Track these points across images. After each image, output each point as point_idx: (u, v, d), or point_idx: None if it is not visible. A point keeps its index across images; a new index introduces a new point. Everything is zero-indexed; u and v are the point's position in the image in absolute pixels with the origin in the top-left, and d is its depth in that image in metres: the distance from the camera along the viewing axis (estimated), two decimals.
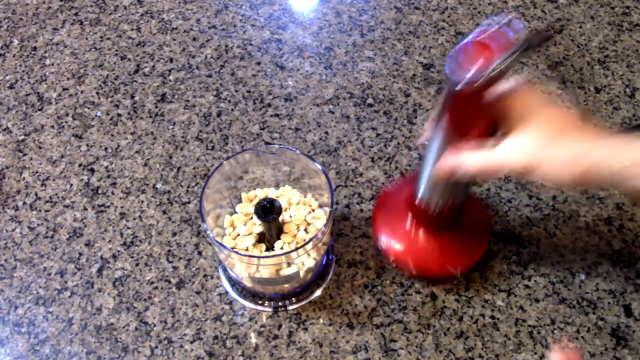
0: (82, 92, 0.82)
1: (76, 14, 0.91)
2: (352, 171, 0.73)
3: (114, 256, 0.67)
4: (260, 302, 0.63)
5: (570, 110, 0.48)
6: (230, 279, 0.64)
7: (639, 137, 0.44)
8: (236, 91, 0.80)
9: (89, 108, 0.80)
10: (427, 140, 0.54)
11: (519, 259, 0.66)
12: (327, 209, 0.59)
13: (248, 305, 0.63)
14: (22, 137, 0.78)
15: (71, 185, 0.73)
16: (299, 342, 0.61)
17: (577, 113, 0.48)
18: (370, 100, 0.79)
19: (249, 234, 0.63)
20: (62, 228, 0.70)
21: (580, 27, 0.86)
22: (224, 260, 0.62)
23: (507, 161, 0.48)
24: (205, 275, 0.65)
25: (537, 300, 0.63)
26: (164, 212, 0.70)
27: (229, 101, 0.79)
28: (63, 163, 0.75)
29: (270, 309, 0.63)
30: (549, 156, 0.46)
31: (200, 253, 0.67)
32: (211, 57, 0.84)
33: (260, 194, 0.66)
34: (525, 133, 0.47)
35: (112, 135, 0.77)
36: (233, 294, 0.64)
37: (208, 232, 0.57)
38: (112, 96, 0.81)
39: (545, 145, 0.46)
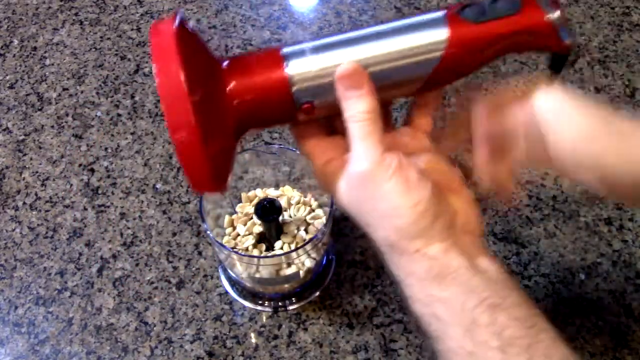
0: (82, 92, 0.82)
1: (76, 14, 0.91)
2: None
3: (114, 256, 0.67)
4: (260, 302, 0.63)
5: None
6: (230, 279, 0.64)
7: None
8: None
9: (89, 108, 0.80)
10: None
11: (519, 259, 0.66)
12: (327, 209, 0.59)
13: (248, 305, 0.63)
14: (22, 137, 0.78)
15: (71, 185, 0.73)
16: (299, 342, 0.61)
17: None
18: None
19: (249, 234, 0.63)
20: (62, 228, 0.70)
21: (580, 27, 0.86)
22: (224, 260, 0.62)
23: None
24: (205, 275, 0.65)
25: (537, 300, 0.63)
26: (164, 212, 0.70)
27: None
28: (63, 163, 0.75)
29: (270, 309, 0.63)
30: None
31: (200, 253, 0.67)
32: None
33: (260, 194, 0.66)
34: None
35: (112, 135, 0.77)
36: (233, 294, 0.64)
37: (208, 232, 0.57)
38: (112, 96, 0.81)
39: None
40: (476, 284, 0.35)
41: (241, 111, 0.39)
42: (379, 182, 0.36)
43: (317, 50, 0.39)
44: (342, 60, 0.38)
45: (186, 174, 0.37)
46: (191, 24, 0.37)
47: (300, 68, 0.39)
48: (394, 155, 0.37)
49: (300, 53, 0.39)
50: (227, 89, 0.38)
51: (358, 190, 0.38)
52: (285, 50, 0.39)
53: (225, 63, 0.39)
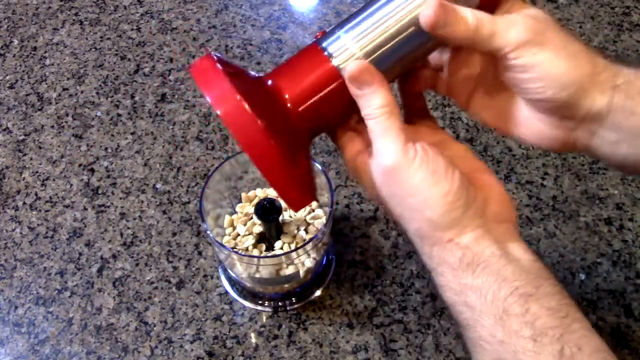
0: (82, 92, 0.82)
1: (76, 14, 0.91)
2: None
3: (114, 256, 0.67)
4: (260, 302, 0.63)
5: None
6: (230, 279, 0.64)
7: None
8: None
9: (89, 108, 0.80)
10: None
11: None
12: (327, 209, 0.59)
13: (248, 305, 0.63)
14: (22, 137, 0.78)
15: (71, 185, 0.73)
16: (299, 342, 0.61)
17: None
18: None
19: (249, 234, 0.63)
20: (62, 228, 0.70)
21: (580, 27, 0.86)
22: (224, 260, 0.62)
23: (504, 31, 0.37)
24: (205, 275, 0.65)
25: None
26: (164, 212, 0.70)
27: None
28: (63, 163, 0.75)
29: (270, 309, 0.63)
30: (557, 37, 0.37)
31: (200, 253, 0.67)
32: None
33: (260, 194, 0.66)
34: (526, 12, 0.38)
35: (112, 135, 0.77)
36: (233, 294, 0.64)
37: (208, 232, 0.57)
38: (112, 96, 0.81)
39: (551, 28, 0.37)
40: (508, 273, 0.35)
41: (307, 117, 0.39)
42: (405, 176, 0.36)
43: (351, 29, 0.39)
44: (380, 30, 0.38)
45: (282, 196, 0.37)
46: (219, 54, 0.37)
47: (344, 54, 0.38)
48: (418, 145, 0.37)
49: (337, 39, 0.39)
50: (286, 101, 0.38)
51: (386, 185, 0.38)
52: (324, 43, 0.39)
53: (270, 78, 0.39)
